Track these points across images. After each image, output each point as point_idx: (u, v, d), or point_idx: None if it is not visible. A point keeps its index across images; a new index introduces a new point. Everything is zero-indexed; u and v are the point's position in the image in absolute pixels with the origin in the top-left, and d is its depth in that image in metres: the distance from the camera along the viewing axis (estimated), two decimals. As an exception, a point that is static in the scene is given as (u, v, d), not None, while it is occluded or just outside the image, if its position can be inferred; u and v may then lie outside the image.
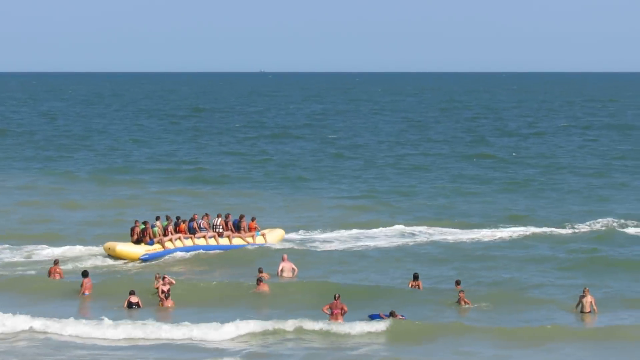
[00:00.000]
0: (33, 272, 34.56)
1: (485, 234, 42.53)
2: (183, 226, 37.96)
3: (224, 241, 38.56)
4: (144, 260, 36.53)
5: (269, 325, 26.81)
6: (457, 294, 29.84)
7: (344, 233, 42.91)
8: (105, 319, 26.96)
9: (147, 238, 36.98)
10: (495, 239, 41.64)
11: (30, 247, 38.63)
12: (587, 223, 44.66)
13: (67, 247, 38.42)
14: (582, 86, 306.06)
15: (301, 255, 37.24)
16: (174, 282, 30.79)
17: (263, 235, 39.52)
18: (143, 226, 37.17)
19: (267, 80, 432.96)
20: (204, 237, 38.26)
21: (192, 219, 38.56)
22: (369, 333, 26.62)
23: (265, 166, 70.71)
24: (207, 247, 38.26)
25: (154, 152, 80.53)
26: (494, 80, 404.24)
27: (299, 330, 26.68)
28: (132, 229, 37.23)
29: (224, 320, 26.96)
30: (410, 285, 31.62)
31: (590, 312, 28.56)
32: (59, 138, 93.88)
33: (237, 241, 38.75)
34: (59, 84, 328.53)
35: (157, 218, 38.10)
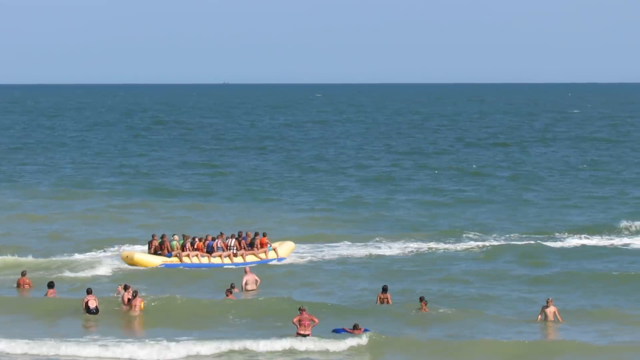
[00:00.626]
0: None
1: (449, 247, 43.13)
2: (200, 244, 39.52)
3: (238, 259, 39.59)
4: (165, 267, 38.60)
5: (218, 346, 26.56)
6: (420, 308, 30.08)
7: (304, 246, 43.05)
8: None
9: (165, 250, 38.73)
10: (457, 251, 42.27)
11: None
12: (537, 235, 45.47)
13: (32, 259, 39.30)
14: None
15: (262, 269, 37.78)
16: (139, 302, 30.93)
17: (275, 249, 40.50)
18: (160, 240, 38.93)
19: (231, 91, 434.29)
20: (220, 256, 39.46)
21: (206, 239, 39.90)
22: (328, 351, 26.53)
23: (225, 178, 70.86)
24: (221, 265, 39.49)
25: (113, 165, 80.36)
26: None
27: (248, 351, 26.54)
28: (150, 242, 39.16)
29: (180, 336, 27.25)
30: (378, 298, 31.52)
31: (554, 321, 28.83)
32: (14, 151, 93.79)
33: (250, 258, 39.85)
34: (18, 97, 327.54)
35: (173, 235, 39.70)
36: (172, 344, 26.52)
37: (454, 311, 30.66)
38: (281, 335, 26.96)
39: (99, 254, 41.22)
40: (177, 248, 38.81)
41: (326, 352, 26.36)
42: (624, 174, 72.68)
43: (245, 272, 35.14)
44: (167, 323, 29.99)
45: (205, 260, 39.16)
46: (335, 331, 28.09)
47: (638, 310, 30.85)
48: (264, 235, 40.66)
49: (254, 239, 40.34)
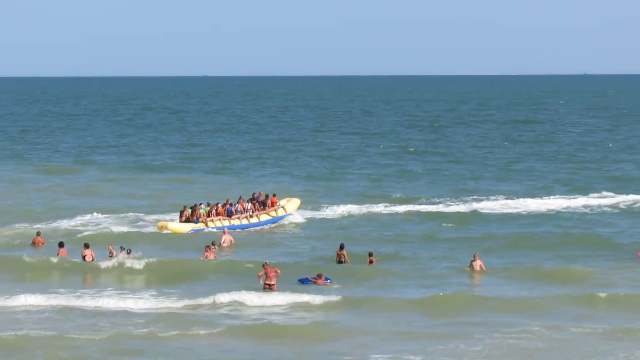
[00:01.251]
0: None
1: (397, 210, 45.30)
2: (221, 210, 40.71)
3: (253, 220, 41.61)
4: (194, 232, 39.62)
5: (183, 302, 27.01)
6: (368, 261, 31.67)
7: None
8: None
9: (194, 217, 39.89)
10: (403, 214, 44.33)
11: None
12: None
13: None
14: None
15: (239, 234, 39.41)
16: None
17: (283, 207, 42.50)
18: (191, 209, 40.19)
19: (209, 83, 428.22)
20: (238, 218, 41.00)
21: (228, 204, 41.27)
22: (296, 303, 26.88)
23: (201, 155, 73.37)
24: (241, 226, 40.99)
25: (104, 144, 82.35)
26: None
27: (216, 304, 27.00)
28: (181, 212, 40.29)
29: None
30: (337, 255, 32.54)
31: (479, 271, 30.50)
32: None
33: (263, 217, 41.73)
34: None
35: (200, 204, 40.93)
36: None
37: (396, 267, 32.08)
38: (253, 288, 27.79)
39: (96, 219, 42.60)
40: (203, 215, 40.05)
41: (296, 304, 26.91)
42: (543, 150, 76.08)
43: (224, 232, 37.11)
44: (159, 279, 31.34)
45: (226, 223, 40.37)
46: (301, 280, 29.01)
47: (555, 267, 31.93)
48: (274, 195, 42.56)
49: (265, 199, 42.02)
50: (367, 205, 46.42)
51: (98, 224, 41.29)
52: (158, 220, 40.88)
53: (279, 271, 28.36)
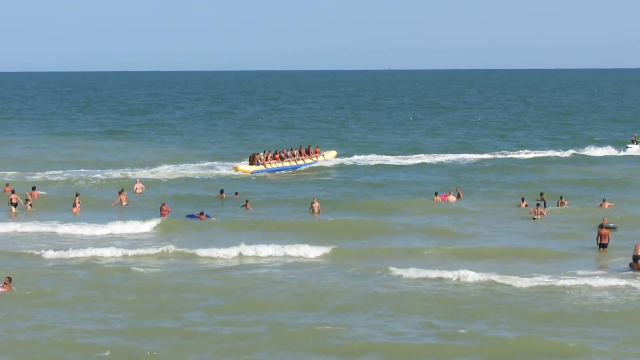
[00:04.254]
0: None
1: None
2: (277, 155, 53.35)
3: (300, 162, 54.67)
4: (254, 173, 51.23)
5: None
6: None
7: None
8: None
9: (256, 161, 52.05)
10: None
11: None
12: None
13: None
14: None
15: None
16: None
17: (323, 155, 56.41)
18: (252, 155, 52.59)
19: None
20: (289, 161, 53.97)
21: (282, 152, 54.08)
22: None
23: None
24: (290, 167, 53.77)
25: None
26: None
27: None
28: (250, 157, 52.51)
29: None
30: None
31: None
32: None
33: (307, 161, 55.03)
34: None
35: (263, 152, 53.51)
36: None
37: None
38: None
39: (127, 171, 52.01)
40: (263, 159, 51.98)
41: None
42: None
43: (136, 182, 44.30)
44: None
45: (280, 164, 52.86)
46: (188, 216, 36.36)
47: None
48: (317, 147, 56.92)
49: (309, 148, 56.02)
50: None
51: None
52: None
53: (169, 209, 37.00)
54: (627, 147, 63.41)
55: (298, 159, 54.15)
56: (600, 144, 66.44)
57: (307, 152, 55.16)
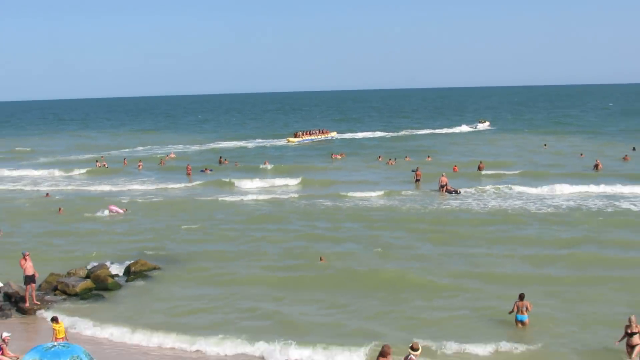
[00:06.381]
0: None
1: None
2: (307, 133, 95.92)
3: (320, 136, 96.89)
4: (298, 143, 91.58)
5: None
6: None
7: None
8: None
9: (298, 136, 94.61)
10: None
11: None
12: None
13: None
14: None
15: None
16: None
17: (330, 133, 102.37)
18: (296, 132, 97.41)
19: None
20: (316, 135, 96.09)
21: (312, 131, 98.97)
22: None
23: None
24: (315, 139, 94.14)
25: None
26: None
27: None
28: (294, 134, 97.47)
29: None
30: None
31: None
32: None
33: (322, 137, 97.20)
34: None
35: (301, 131, 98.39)
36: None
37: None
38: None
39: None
40: (301, 135, 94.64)
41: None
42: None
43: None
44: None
45: (311, 137, 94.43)
46: (201, 171, 62.59)
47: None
48: (327, 130, 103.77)
49: (323, 130, 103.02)
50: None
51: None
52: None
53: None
54: (477, 125, 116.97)
55: (318, 135, 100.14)
56: (460, 123, 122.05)
57: (322, 132, 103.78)
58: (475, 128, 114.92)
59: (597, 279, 27.52)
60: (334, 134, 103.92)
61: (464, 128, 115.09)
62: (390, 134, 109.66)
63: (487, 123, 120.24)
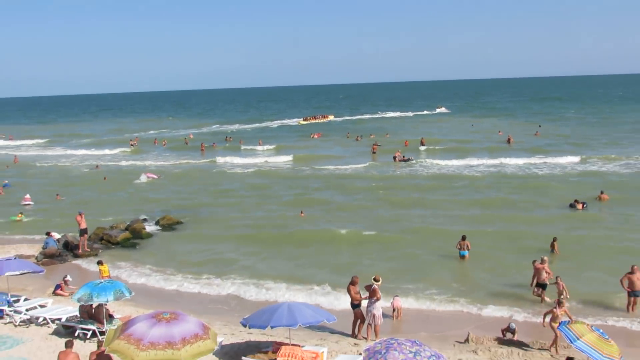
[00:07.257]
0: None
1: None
2: (313, 118, 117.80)
3: (322, 120, 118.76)
4: (308, 123, 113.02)
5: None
6: None
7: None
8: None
9: (309, 119, 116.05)
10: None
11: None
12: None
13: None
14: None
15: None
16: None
17: (329, 117, 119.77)
18: (308, 117, 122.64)
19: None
20: (319, 119, 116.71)
21: (315, 116, 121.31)
22: None
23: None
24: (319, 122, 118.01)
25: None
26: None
27: None
28: (304, 118, 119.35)
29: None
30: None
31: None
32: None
33: (324, 120, 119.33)
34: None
35: (310, 115, 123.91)
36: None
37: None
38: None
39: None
40: (309, 118, 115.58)
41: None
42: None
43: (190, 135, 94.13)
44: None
45: (315, 120, 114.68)
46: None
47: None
48: (327, 115, 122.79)
49: (324, 116, 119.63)
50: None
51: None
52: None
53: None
54: (436, 109, 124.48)
55: (321, 119, 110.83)
56: (425, 108, 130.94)
57: (323, 117, 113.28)
58: (434, 112, 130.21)
59: (511, 232, 30.16)
60: (331, 117, 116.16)
61: (425, 112, 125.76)
62: (357, 117, 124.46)
63: (443, 108, 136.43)
